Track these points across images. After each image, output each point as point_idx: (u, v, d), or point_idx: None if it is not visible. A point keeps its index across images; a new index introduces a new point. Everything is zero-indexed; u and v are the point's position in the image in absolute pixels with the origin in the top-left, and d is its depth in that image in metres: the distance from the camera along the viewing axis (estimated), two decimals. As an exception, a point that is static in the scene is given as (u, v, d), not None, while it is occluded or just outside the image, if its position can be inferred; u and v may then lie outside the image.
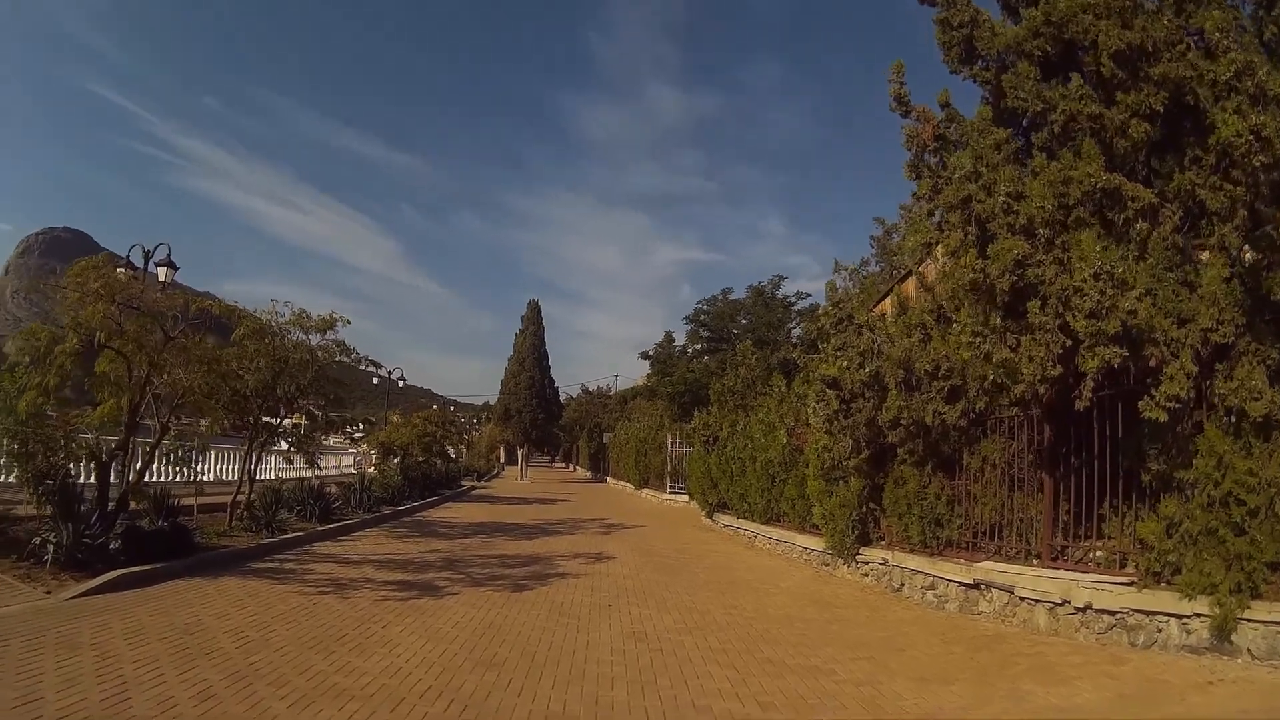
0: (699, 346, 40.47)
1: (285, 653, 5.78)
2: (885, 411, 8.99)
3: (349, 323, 14.23)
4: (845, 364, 9.54)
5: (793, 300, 37.78)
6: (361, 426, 36.70)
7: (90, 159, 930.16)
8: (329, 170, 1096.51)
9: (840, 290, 10.89)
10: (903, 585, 9.58)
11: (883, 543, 10.27)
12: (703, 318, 40.02)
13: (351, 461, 27.99)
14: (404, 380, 39.30)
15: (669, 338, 43.26)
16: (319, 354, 13.83)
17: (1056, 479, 7.90)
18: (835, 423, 9.91)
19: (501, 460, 60.75)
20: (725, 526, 17.49)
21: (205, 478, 16.39)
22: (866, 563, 10.44)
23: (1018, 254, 6.64)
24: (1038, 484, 8.15)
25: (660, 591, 9.48)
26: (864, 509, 10.40)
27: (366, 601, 7.91)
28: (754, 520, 15.11)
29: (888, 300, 14.72)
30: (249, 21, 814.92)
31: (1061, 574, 7.35)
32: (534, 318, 66.11)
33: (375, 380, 32.50)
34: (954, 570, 8.52)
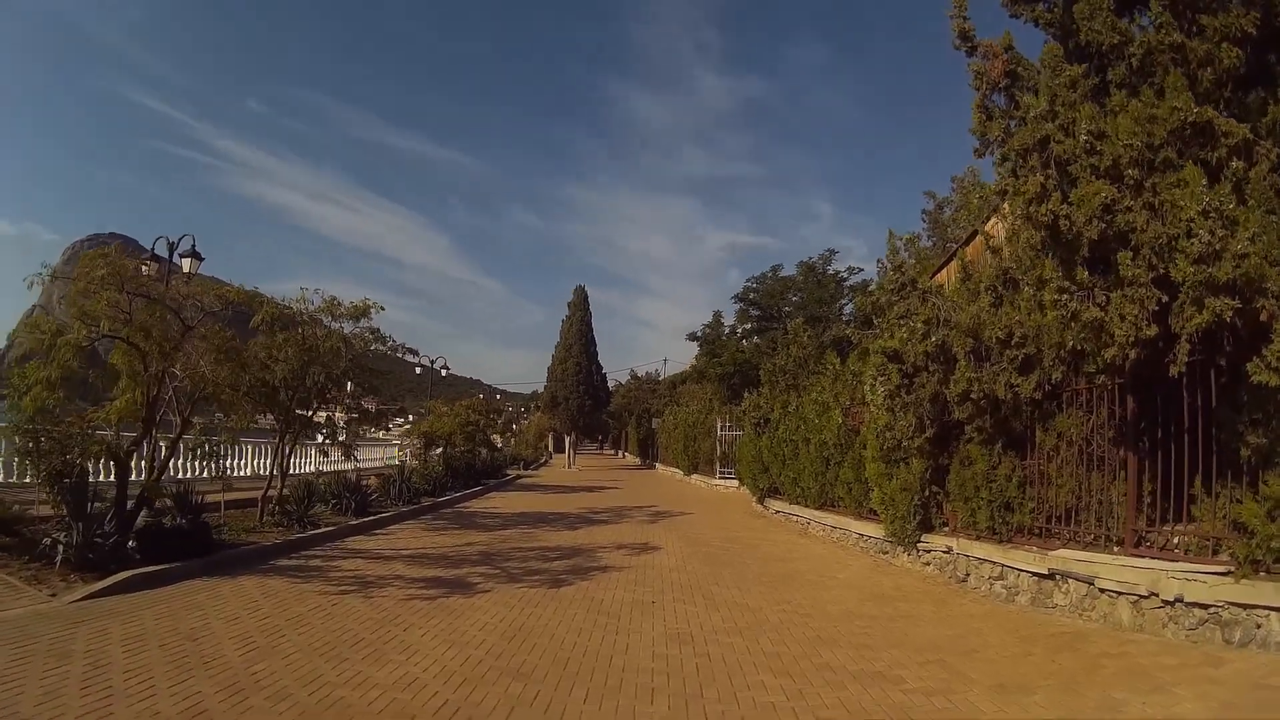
0: (749, 326, 39.30)
1: (292, 661, 5.34)
2: (953, 385, 8.23)
3: (383, 309, 13.87)
4: (907, 335, 8.82)
5: (845, 276, 36.24)
6: (410, 419, 36.90)
7: (135, 166, 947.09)
8: (377, 168, 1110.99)
9: (900, 256, 10.08)
10: (968, 575, 8.86)
11: (946, 529, 9.56)
12: (752, 296, 38.72)
13: (395, 453, 27.81)
14: (447, 370, 39.09)
15: (717, 318, 41.98)
16: (353, 342, 13.45)
17: (1140, 456, 7.05)
18: (896, 399, 9.21)
19: (550, 448, 60.68)
20: (777, 513, 16.90)
21: (241, 473, 16.27)
22: (929, 550, 9.75)
23: (1105, 198, 5.84)
24: (1119, 462, 7.29)
25: (707, 586, 8.90)
26: (926, 493, 9.69)
27: (391, 601, 7.46)
28: (807, 506, 14.52)
29: (943, 273, 13.87)
30: (289, 22, 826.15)
31: (1148, 563, 6.54)
32: (581, 304, 65.53)
33: (418, 370, 32.21)
34: (1026, 559, 7.79)
